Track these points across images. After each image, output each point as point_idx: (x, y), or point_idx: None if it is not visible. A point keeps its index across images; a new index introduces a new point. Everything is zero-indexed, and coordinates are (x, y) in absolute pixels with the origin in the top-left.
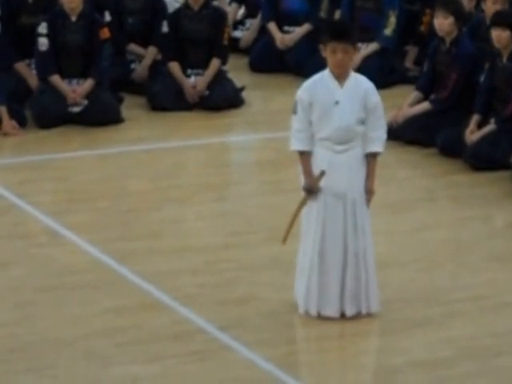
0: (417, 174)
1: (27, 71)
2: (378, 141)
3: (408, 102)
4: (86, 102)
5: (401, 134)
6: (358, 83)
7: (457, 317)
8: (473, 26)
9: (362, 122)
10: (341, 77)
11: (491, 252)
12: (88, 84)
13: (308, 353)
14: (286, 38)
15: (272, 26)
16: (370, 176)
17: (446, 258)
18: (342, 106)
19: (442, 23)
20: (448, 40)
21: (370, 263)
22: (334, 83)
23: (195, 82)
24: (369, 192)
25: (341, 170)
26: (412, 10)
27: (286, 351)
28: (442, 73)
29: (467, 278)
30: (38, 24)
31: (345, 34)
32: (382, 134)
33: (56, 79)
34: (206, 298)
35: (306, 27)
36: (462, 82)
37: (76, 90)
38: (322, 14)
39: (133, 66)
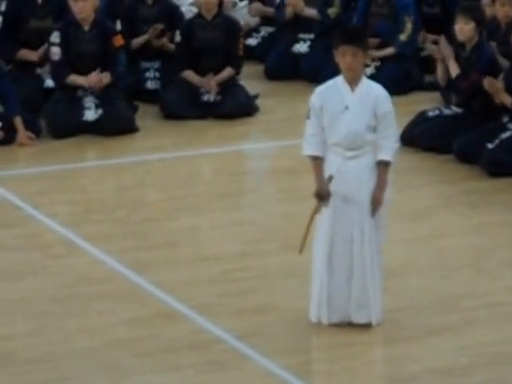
0: (433, 181)
1: (28, 53)
2: (386, 149)
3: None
4: (100, 111)
5: (417, 140)
6: (370, 90)
7: (474, 324)
8: (489, 30)
9: (373, 129)
10: (352, 81)
11: (509, 258)
12: (104, 74)
13: (325, 361)
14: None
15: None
16: (378, 185)
17: (464, 265)
18: (351, 112)
19: (463, 29)
20: (469, 46)
21: (377, 273)
22: (345, 88)
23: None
24: (375, 201)
25: (350, 175)
26: (431, 13)
27: (303, 360)
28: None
29: (485, 285)
30: (46, 28)
31: (354, 37)
32: (392, 143)
33: (73, 78)
34: (222, 308)
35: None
36: (480, 82)
37: (99, 76)
38: (331, 13)
39: (147, 74)
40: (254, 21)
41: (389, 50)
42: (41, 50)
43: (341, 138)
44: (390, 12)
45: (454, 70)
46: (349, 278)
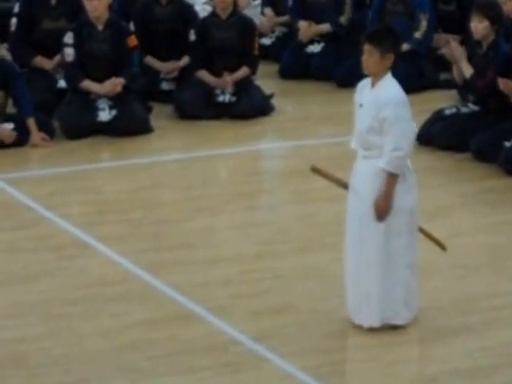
0: (451, 180)
1: (43, 61)
2: (383, 156)
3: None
4: (114, 111)
5: (434, 139)
6: (382, 92)
7: (495, 324)
8: (506, 28)
9: (378, 132)
10: (373, 80)
11: None
12: (118, 80)
13: (344, 363)
14: (310, 27)
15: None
16: (381, 190)
17: (483, 265)
18: (362, 111)
19: (477, 27)
20: (485, 44)
21: (375, 278)
22: (368, 86)
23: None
24: (376, 206)
25: (358, 174)
26: (447, 10)
27: (321, 361)
28: (478, 75)
29: (505, 284)
30: (60, 29)
31: (372, 37)
32: (389, 150)
33: (86, 83)
34: (239, 309)
35: (326, 27)
36: (497, 80)
37: (115, 82)
38: (343, 21)
39: (162, 75)
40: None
41: (404, 47)
42: (55, 60)
43: (354, 134)
44: (405, 10)
45: (468, 71)
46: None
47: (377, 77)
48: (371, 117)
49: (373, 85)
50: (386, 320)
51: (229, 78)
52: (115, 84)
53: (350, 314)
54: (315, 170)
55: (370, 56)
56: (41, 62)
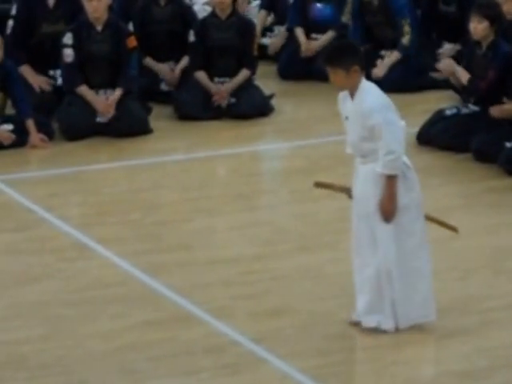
0: (451, 180)
1: (30, 73)
2: (379, 161)
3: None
4: (112, 111)
5: (434, 139)
6: (362, 102)
7: (493, 325)
8: (504, 28)
9: (369, 139)
10: (350, 92)
11: None
12: (117, 94)
13: (342, 364)
14: (311, 44)
15: (298, 32)
16: (382, 193)
17: (482, 266)
18: (350, 122)
19: (476, 28)
20: (484, 44)
21: (398, 282)
22: (348, 98)
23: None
24: (380, 208)
25: (359, 179)
26: (448, 11)
27: (321, 362)
28: (478, 77)
29: (504, 286)
30: (59, 32)
31: (328, 59)
32: (384, 154)
33: (84, 90)
34: (238, 310)
35: (330, 34)
36: (498, 79)
37: (109, 104)
38: (345, 20)
39: (161, 76)
40: (268, 20)
41: (395, 55)
42: (42, 81)
43: (348, 145)
44: (386, 19)
45: (465, 77)
46: (361, 282)
47: (352, 89)
48: (359, 127)
49: (352, 96)
50: (413, 320)
51: (224, 94)
52: (109, 106)
53: (360, 316)
54: (319, 185)
55: (336, 76)
56: (26, 72)
